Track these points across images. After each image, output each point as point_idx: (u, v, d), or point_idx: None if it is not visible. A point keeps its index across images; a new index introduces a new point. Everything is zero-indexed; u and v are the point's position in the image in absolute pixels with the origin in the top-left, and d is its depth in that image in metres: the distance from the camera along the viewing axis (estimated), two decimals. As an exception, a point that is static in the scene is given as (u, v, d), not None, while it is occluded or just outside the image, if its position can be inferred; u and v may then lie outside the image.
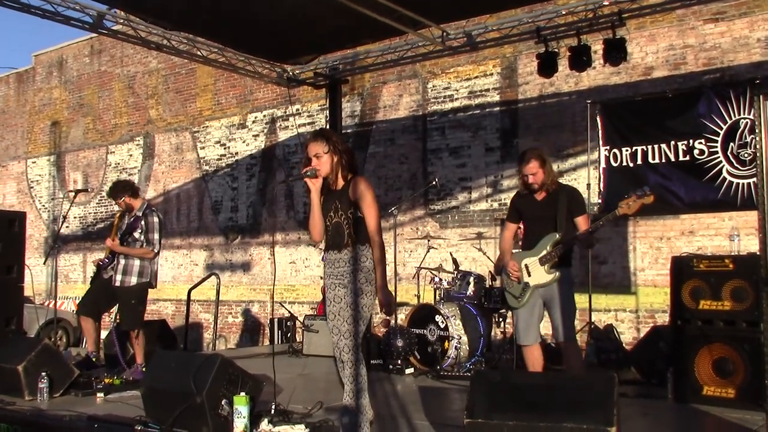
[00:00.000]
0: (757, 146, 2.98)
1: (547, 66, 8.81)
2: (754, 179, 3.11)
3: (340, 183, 4.45)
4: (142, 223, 6.86)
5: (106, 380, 6.33)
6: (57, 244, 14.47)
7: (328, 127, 11.23)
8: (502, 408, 3.56)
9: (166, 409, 4.63)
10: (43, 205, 17.85)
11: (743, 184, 7.40)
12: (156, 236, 6.89)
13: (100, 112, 16.79)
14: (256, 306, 13.54)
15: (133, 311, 6.85)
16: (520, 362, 5.75)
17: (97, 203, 16.53)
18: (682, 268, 5.67)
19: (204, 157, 14.69)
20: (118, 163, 16.23)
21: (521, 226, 5.70)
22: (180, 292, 13.66)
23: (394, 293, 8.62)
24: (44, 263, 15.55)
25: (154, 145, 15.62)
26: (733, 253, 5.84)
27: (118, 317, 7.26)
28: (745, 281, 5.28)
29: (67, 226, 16.68)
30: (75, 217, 16.77)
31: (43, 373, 5.79)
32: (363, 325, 4.33)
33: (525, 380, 3.96)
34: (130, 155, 16.04)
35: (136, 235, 6.85)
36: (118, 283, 6.80)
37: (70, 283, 16.64)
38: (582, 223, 5.23)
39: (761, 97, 2.93)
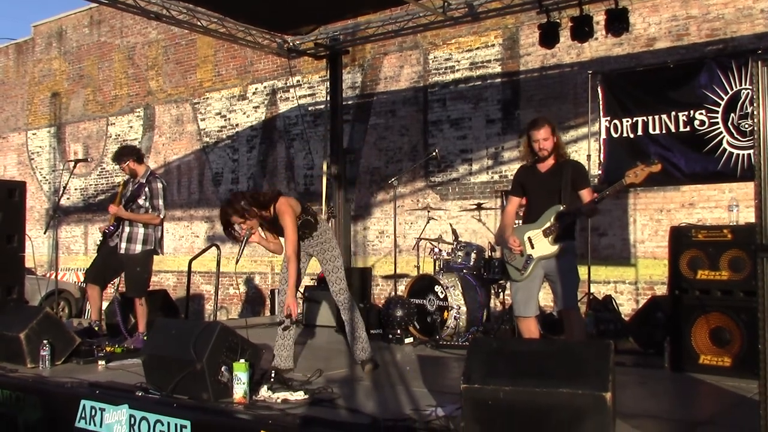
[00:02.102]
0: (755, 112, 2.97)
1: (548, 37, 8.76)
2: (753, 152, 3.10)
3: (270, 215, 5.41)
4: (146, 189, 6.86)
5: (108, 348, 6.38)
6: (57, 214, 14.49)
7: (328, 98, 11.21)
8: (499, 374, 3.59)
9: (166, 376, 4.68)
10: (44, 177, 17.86)
11: (743, 155, 7.39)
12: (161, 202, 6.89)
13: (100, 83, 16.73)
14: (257, 277, 13.60)
15: (138, 278, 6.88)
16: (518, 333, 5.78)
17: (98, 175, 16.54)
18: (680, 238, 5.67)
19: (204, 129, 14.67)
20: (119, 135, 16.21)
21: (523, 202, 5.68)
22: (181, 263, 13.72)
23: (394, 264, 8.69)
24: (45, 233, 15.59)
25: (154, 116, 15.59)
26: (731, 224, 5.83)
27: (120, 287, 7.29)
28: (743, 251, 5.29)
29: (68, 198, 16.70)
30: (76, 189, 16.78)
31: (45, 341, 5.82)
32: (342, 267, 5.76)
33: (522, 347, 3.99)
34: (131, 127, 16.02)
35: (141, 201, 6.85)
36: (122, 251, 6.82)
37: (71, 255, 16.70)
38: (586, 195, 5.21)
39: (759, 62, 2.91)
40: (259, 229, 5.44)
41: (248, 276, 13.67)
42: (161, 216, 6.93)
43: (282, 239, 5.54)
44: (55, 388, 5.14)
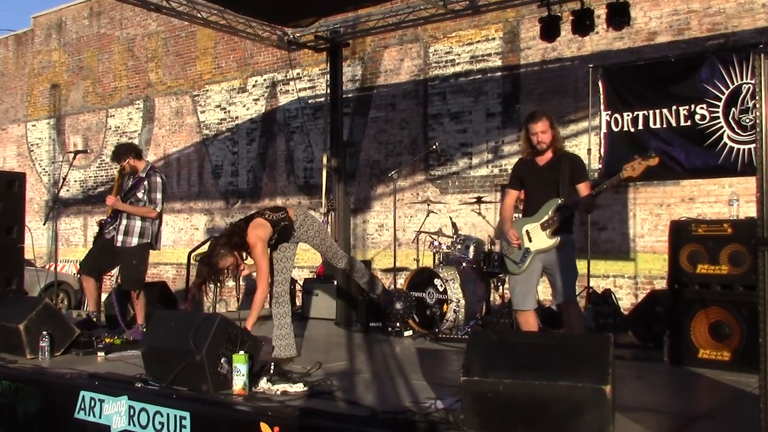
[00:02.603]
0: (757, 105, 2.96)
1: (549, 30, 8.74)
2: (755, 145, 3.09)
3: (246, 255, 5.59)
4: (145, 183, 6.84)
5: (107, 340, 6.38)
6: (57, 205, 14.48)
7: (328, 91, 11.20)
8: (499, 366, 3.59)
9: (165, 368, 4.68)
10: (44, 169, 17.84)
11: (744, 149, 7.38)
12: (159, 196, 6.87)
13: (99, 75, 16.70)
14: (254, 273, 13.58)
15: (134, 271, 6.86)
16: (517, 327, 5.79)
17: (97, 167, 16.52)
18: (680, 232, 5.67)
19: (204, 121, 14.65)
20: (118, 127, 16.19)
21: (522, 195, 5.69)
22: (180, 255, 13.69)
23: (393, 258, 8.69)
24: (44, 224, 15.59)
25: (154, 108, 15.57)
26: (732, 218, 5.83)
27: (119, 279, 7.29)
28: (743, 245, 5.29)
29: (67, 190, 16.69)
30: (75, 181, 16.77)
31: (44, 332, 5.83)
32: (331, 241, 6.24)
33: (521, 340, 3.99)
34: (130, 119, 15.99)
35: (139, 195, 6.83)
36: (119, 243, 6.81)
37: (71, 247, 16.69)
38: (584, 189, 5.22)
39: (761, 56, 2.90)
40: (246, 272, 5.73)
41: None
42: (158, 210, 6.90)
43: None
44: (54, 379, 5.15)
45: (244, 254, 5.61)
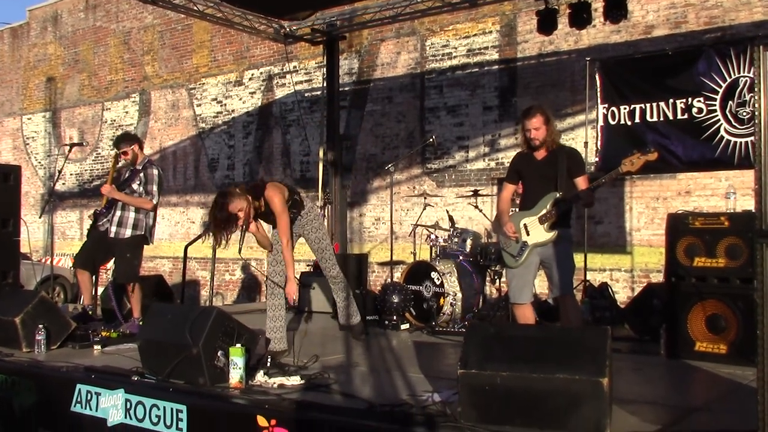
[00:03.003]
0: (756, 98, 2.96)
1: (546, 23, 8.73)
2: (752, 138, 3.09)
3: (262, 206, 5.59)
4: (141, 175, 6.80)
5: (103, 333, 6.36)
6: (53, 198, 14.42)
7: (325, 84, 11.19)
8: (496, 359, 3.58)
9: (162, 361, 4.67)
10: (39, 162, 17.78)
11: (741, 143, 7.38)
12: (155, 188, 6.82)
13: (95, 68, 16.64)
14: (253, 263, 13.59)
15: (128, 264, 6.81)
16: (513, 320, 5.80)
17: (93, 160, 16.48)
18: (677, 225, 5.67)
19: (200, 115, 14.61)
20: (114, 120, 16.14)
21: (519, 189, 5.69)
22: (177, 249, 13.69)
23: (390, 251, 8.70)
24: (40, 217, 15.55)
25: (150, 101, 15.52)
26: (729, 211, 5.83)
27: (114, 272, 7.26)
28: (740, 238, 5.29)
29: (63, 183, 16.65)
30: (71, 174, 16.72)
31: (41, 326, 5.80)
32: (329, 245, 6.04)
33: (519, 333, 3.99)
34: (126, 112, 15.95)
35: (135, 186, 6.78)
36: (112, 235, 6.75)
37: (66, 240, 16.65)
38: (581, 183, 5.23)
39: (761, 47, 2.90)
40: (253, 227, 5.59)
41: (244, 262, 13.66)
42: (154, 201, 6.86)
43: (272, 231, 5.75)
44: (50, 373, 5.13)
45: (258, 207, 5.55)
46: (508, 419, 3.49)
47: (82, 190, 16.60)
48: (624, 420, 3.70)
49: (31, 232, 8.54)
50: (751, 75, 6.97)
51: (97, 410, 4.60)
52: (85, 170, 16.58)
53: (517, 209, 5.68)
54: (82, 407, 4.70)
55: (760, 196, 3.04)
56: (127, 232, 6.74)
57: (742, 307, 5.19)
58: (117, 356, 5.59)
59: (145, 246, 6.98)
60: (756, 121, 2.97)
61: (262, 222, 5.80)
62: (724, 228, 5.42)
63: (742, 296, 5.15)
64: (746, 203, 7.18)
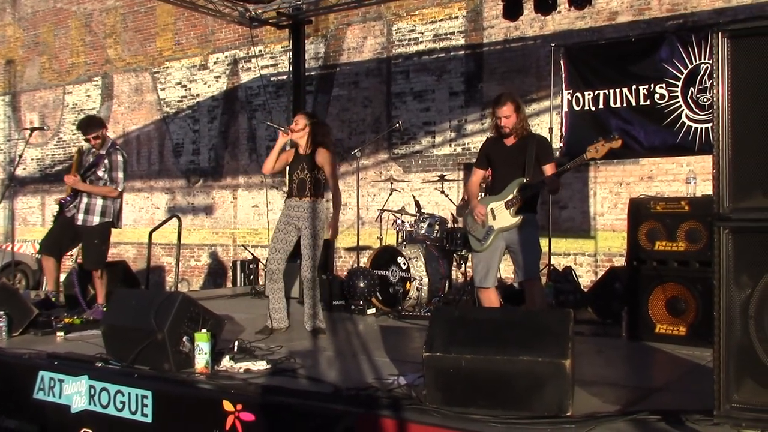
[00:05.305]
0: (715, 84, 3.01)
1: (512, 9, 8.75)
2: (712, 124, 3.15)
3: (308, 150, 6.07)
4: (106, 161, 6.71)
5: (66, 320, 6.28)
6: (13, 183, 14.15)
7: (291, 69, 11.11)
8: (460, 342, 3.62)
9: (127, 347, 4.63)
10: (-1, 147, 17.45)
11: (701, 128, 7.51)
12: (120, 175, 6.74)
13: (56, 50, 16.32)
14: (219, 249, 13.51)
15: (96, 251, 6.75)
16: (478, 304, 5.86)
17: (54, 145, 16.20)
18: (639, 210, 5.76)
19: (164, 99, 14.43)
20: (76, 104, 15.87)
21: (488, 174, 5.75)
22: (141, 235, 13.53)
23: (356, 236, 8.71)
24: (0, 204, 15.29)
25: (112, 85, 15.29)
26: (689, 196, 5.94)
27: (78, 258, 7.17)
28: (700, 223, 5.40)
29: (24, 168, 16.36)
30: (32, 159, 16.43)
31: (2, 312, 5.71)
32: (318, 250, 6.08)
33: (483, 316, 4.03)
34: (88, 96, 15.69)
35: (100, 173, 6.70)
36: (80, 222, 6.68)
37: (28, 226, 16.38)
38: (549, 170, 5.33)
39: (719, 33, 2.95)
40: (285, 138, 6.16)
41: (210, 248, 13.57)
42: (120, 189, 6.79)
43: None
44: (12, 360, 5.07)
45: (306, 142, 6.07)
46: (473, 401, 3.53)
47: (43, 175, 16.31)
48: (586, 401, 3.76)
49: (-9, 218, 8.39)
50: (711, 61, 7.08)
51: (60, 397, 4.56)
52: (47, 155, 16.30)
53: (485, 194, 5.73)
54: (45, 394, 4.66)
55: (718, 181, 3.11)
56: (95, 220, 6.67)
57: (701, 290, 5.30)
58: (80, 343, 5.54)
59: (112, 230, 6.92)
60: (714, 109, 3.03)
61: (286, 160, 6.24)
62: (684, 212, 5.52)
63: (701, 279, 5.27)
64: (707, 188, 7.27)
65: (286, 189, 10.76)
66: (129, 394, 4.27)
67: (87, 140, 6.84)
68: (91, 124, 6.87)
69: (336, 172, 6.21)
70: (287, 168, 6.37)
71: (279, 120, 11.19)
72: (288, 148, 6.38)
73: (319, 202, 6.09)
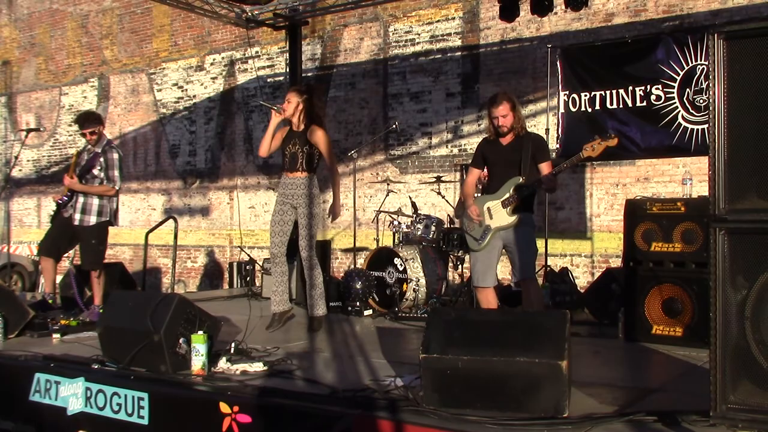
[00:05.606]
0: (711, 85, 3.02)
1: (508, 10, 8.75)
2: (708, 125, 3.16)
3: (301, 126, 6.14)
4: (102, 159, 6.70)
5: (63, 321, 6.27)
6: (9, 185, 14.12)
7: (287, 70, 11.10)
8: (457, 344, 3.63)
9: (123, 349, 4.63)
10: (-5, 148, 17.41)
11: (698, 129, 7.52)
12: (116, 173, 6.74)
13: (52, 51, 16.30)
14: (216, 251, 13.49)
15: (94, 251, 6.74)
16: (476, 305, 5.86)
17: (50, 146, 16.17)
18: (635, 211, 5.77)
19: (161, 100, 14.42)
20: (72, 105, 15.84)
21: (485, 174, 5.75)
22: (137, 236, 13.52)
23: (353, 237, 8.70)
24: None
25: (109, 86, 15.27)
26: (685, 197, 5.95)
27: (75, 259, 7.16)
28: (696, 224, 5.41)
29: (20, 170, 16.33)
30: (28, 160, 16.40)
31: (-2, 314, 5.72)
32: (314, 229, 6.12)
33: (480, 317, 4.03)
34: (85, 97, 15.66)
35: (96, 172, 6.69)
36: (77, 222, 6.68)
37: (24, 228, 16.34)
38: (546, 169, 5.33)
39: (715, 35, 2.96)
40: (278, 117, 6.17)
41: (207, 249, 13.56)
42: (116, 188, 6.79)
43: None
44: (8, 362, 5.06)
45: (299, 119, 6.12)
46: (470, 402, 3.53)
47: (39, 176, 16.28)
48: (582, 401, 3.77)
49: (-13, 219, 8.38)
50: (707, 63, 7.09)
51: (56, 399, 4.55)
52: (43, 156, 16.27)
53: (481, 194, 5.74)
54: (41, 396, 4.65)
55: (714, 182, 3.11)
56: (92, 219, 6.67)
57: (697, 291, 5.31)
58: (77, 344, 5.53)
59: (109, 228, 6.91)
60: (710, 110, 3.03)
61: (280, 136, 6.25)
62: (680, 213, 5.53)
63: (697, 280, 5.28)
64: (703, 189, 7.28)
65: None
66: (125, 396, 4.26)
67: (83, 135, 6.84)
68: (88, 119, 6.88)
69: (332, 150, 6.29)
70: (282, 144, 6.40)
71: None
72: (283, 126, 6.38)
73: (313, 178, 6.17)
